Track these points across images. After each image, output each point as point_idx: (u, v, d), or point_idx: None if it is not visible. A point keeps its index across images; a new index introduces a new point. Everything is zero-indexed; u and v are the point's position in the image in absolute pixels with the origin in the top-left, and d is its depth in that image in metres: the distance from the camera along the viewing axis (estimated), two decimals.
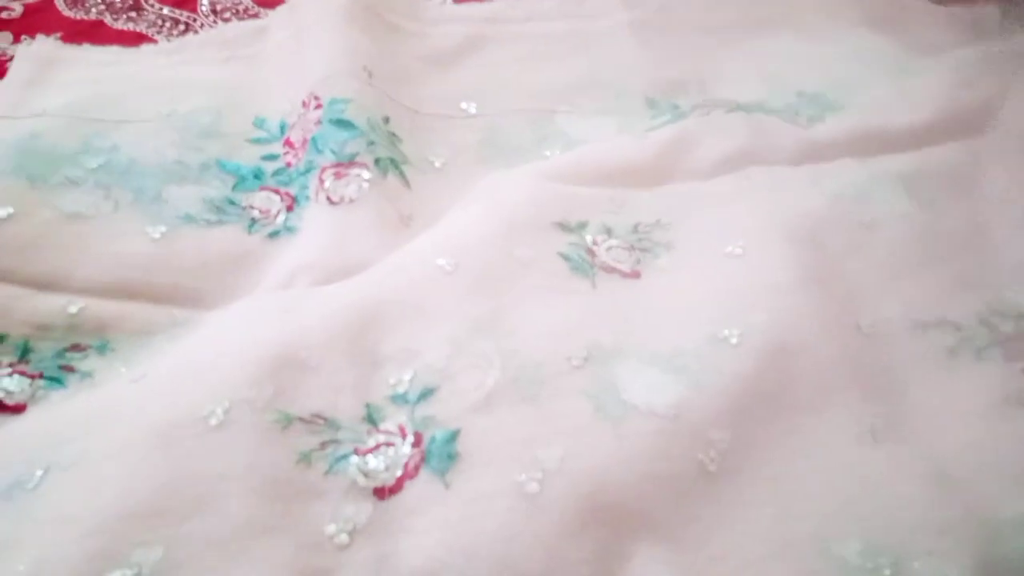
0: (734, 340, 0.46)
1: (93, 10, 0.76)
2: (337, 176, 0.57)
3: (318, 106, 0.61)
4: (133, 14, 0.76)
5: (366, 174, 0.57)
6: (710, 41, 0.71)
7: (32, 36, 0.71)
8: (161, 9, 0.77)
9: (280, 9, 0.74)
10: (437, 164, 0.62)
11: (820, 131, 0.59)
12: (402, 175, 0.59)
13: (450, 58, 0.70)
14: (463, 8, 0.75)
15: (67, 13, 0.75)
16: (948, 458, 0.43)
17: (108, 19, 0.75)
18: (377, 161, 0.58)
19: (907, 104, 0.60)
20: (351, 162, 0.57)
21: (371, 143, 0.59)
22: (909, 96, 0.61)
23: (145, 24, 0.75)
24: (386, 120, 0.62)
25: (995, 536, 0.40)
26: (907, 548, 0.39)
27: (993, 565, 0.39)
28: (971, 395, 0.46)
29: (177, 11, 0.76)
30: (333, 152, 0.58)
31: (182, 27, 0.75)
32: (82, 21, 0.74)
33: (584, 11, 0.75)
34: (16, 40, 0.71)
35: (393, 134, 0.61)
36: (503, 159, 0.61)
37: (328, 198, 0.56)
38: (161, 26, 0.75)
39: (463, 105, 0.66)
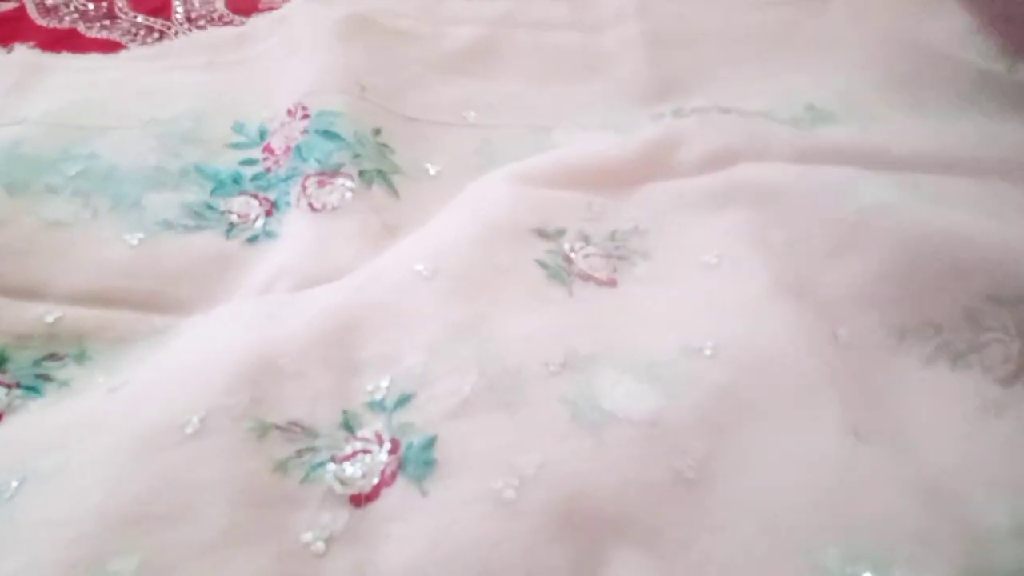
0: (708, 352, 0.46)
1: (67, 19, 0.75)
2: (320, 184, 0.57)
3: (305, 116, 0.61)
4: (107, 22, 0.75)
5: (350, 183, 0.57)
6: (724, 54, 0.70)
7: (5, 45, 0.70)
8: (135, 17, 0.76)
9: (267, 16, 0.74)
10: (432, 172, 0.61)
11: (821, 135, 0.58)
12: (390, 185, 0.59)
13: (458, 63, 0.70)
14: (475, 5, 0.75)
15: (40, 22, 0.75)
16: (930, 466, 0.43)
17: (82, 28, 0.75)
18: (362, 173, 0.58)
19: (915, 133, 0.59)
20: (335, 172, 0.57)
21: (357, 155, 0.59)
22: (919, 128, 0.60)
23: (119, 32, 0.75)
24: (377, 132, 0.61)
25: (978, 545, 0.39)
26: (889, 556, 0.39)
27: (976, 574, 0.38)
28: (949, 405, 0.46)
29: (151, 19, 0.76)
30: (318, 161, 0.58)
31: (156, 35, 0.75)
32: (56, 30, 0.74)
33: (597, 19, 0.74)
34: None
35: (384, 145, 0.61)
36: (497, 169, 0.60)
37: (310, 204, 0.56)
38: (135, 34, 0.75)
39: (464, 113, 0.66)
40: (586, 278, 0.51)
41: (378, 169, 0.59)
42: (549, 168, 0.57)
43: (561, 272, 0.51)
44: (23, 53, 0.70)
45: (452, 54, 0.70)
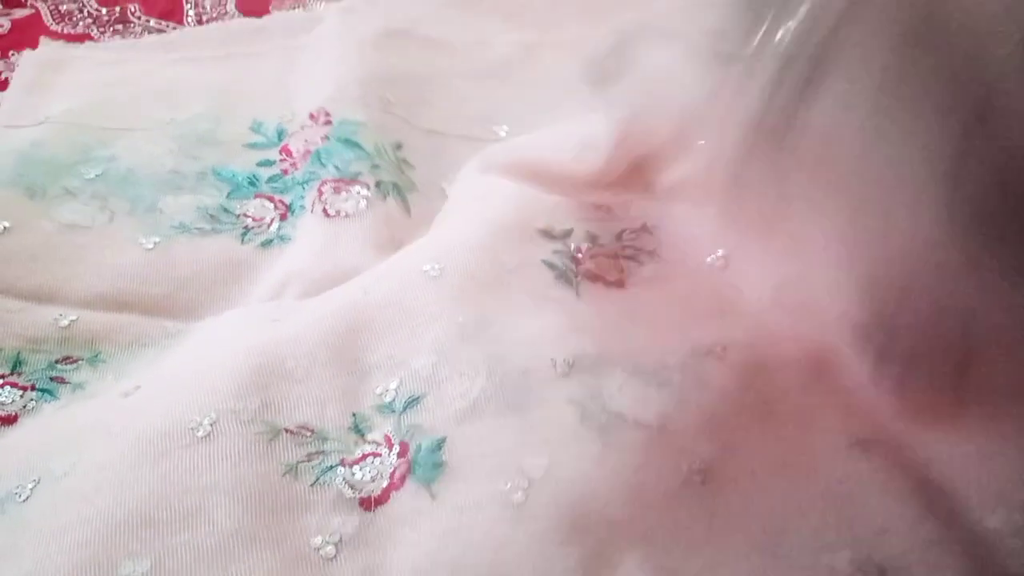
0: (718, 354, 0.45)
1: (80, 24, 0.76)
2: (336, 191, 0.57)
3: (327, 122, 0.61)
4: (119, 27, 0.76)
5: (366, 192, 0.57)
6: None
7: (20, 51, 0.71)
8: (148, 21, 0.77)
9: (288, 13, 0.74)
10: (448, 191, 0.60)
11: None
12: (404, 201, 0.58)
13: (489, 75, 0.69)
14: (512, 26, 0.73)
15: (54, 27, 0.75)
16: (933, 467, 0.42)
17: (95, 32, 0.75)
18: (379, 184, 0.58)
19: None
20: (353, 179, 0.58)
21: (375, 166, 0.59)
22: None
23: (132, 37, 0.75)
24: (398, 147, 0.61)
25: (984, 546, 0.39)
26: (897, 559, 0.39)
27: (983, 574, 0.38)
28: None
29: (163, 23, 0.76)
30: (336, 168, 0.58)
31: None
32: (69, 35, 0.75)
33: None
34: (4, 56, 0.72)
35: (404, 160, 0.61)
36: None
37: (324, 210, 0.56)
38: None
39: (494, 128, 0.65)
40: (594, 279, 0.51)
41: (395, 183, 0.59)
42: (542, 168, 0.55)
43: (568, 273, 0.51)
44: (45, 48, 0.70)
45: (484, 66, 0.70)
